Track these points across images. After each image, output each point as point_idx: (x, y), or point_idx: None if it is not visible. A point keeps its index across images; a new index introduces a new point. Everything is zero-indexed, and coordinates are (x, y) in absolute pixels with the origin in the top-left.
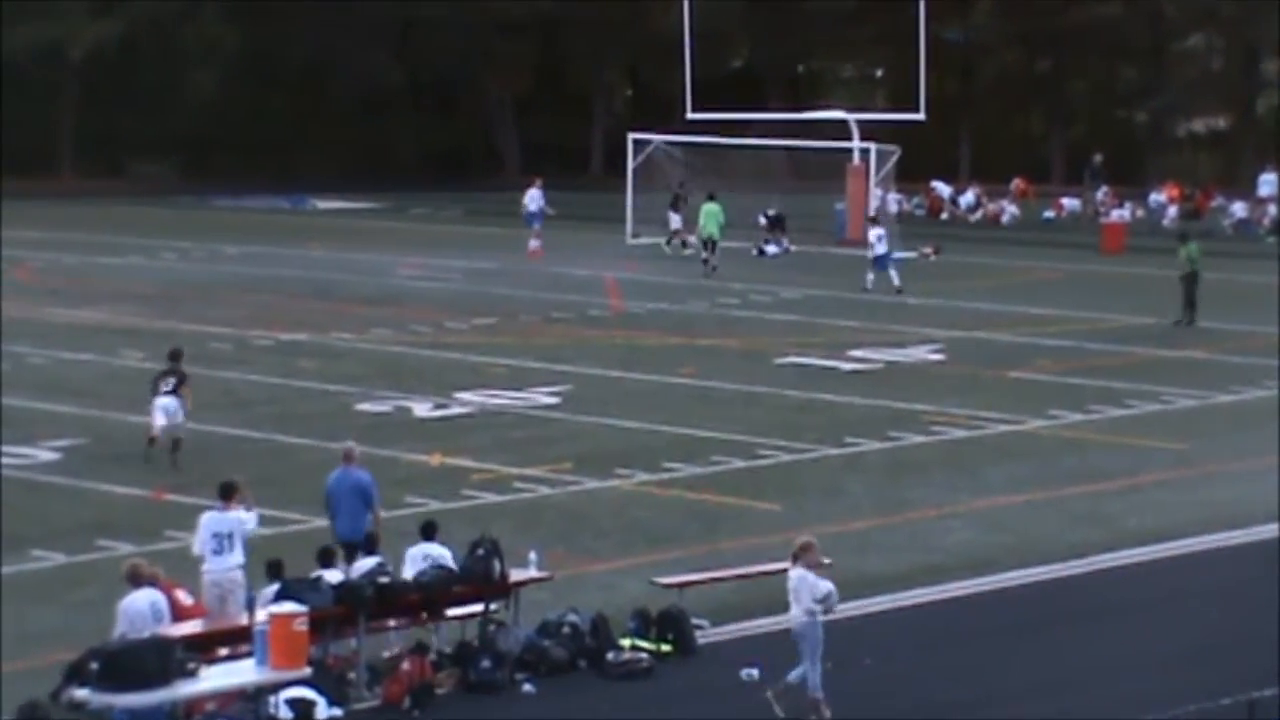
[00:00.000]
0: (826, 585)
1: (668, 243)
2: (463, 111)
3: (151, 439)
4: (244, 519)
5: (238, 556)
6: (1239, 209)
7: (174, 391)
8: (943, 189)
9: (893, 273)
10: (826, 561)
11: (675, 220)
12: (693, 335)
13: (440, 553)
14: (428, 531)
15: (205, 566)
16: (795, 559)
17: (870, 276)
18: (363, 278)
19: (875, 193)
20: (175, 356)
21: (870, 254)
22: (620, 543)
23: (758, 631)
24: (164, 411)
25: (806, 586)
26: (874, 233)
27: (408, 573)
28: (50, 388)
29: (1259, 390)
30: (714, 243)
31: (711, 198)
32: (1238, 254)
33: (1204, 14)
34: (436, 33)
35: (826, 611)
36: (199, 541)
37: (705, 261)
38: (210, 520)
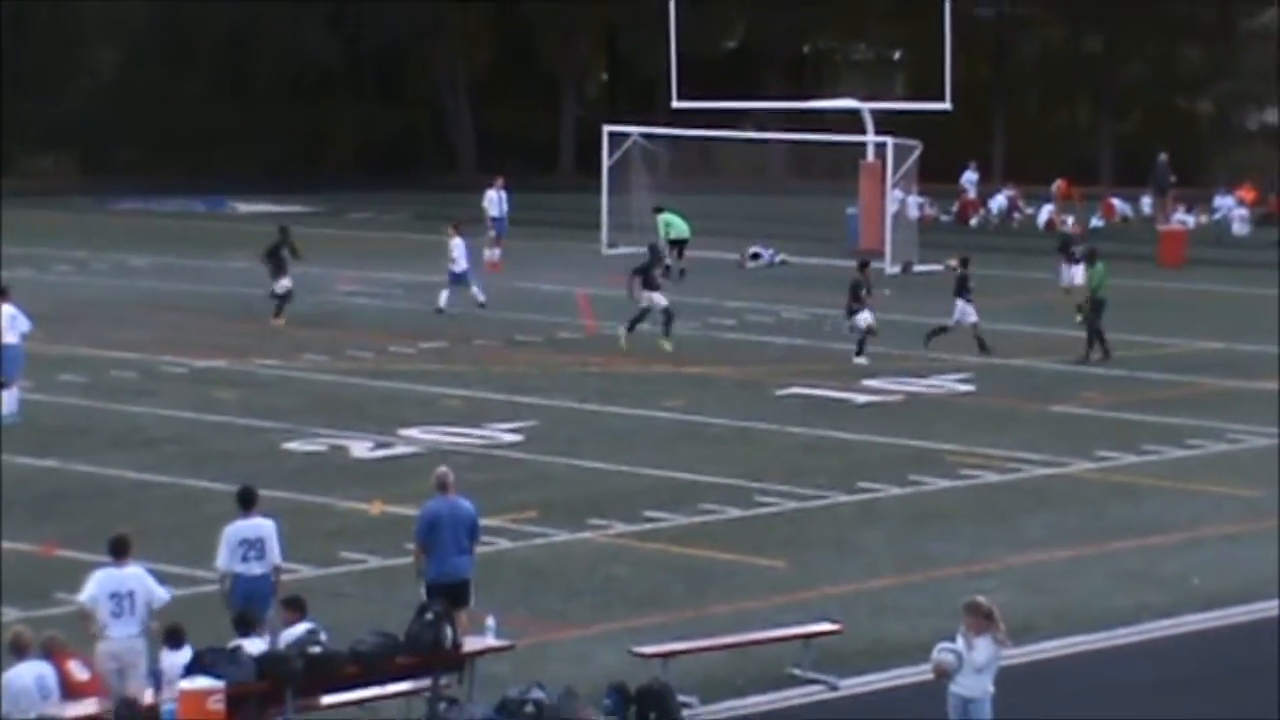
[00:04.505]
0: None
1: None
2: (409, 96)
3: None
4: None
5: (140, 621)
6: None
7: (964, 292)
8: (970, 179)
9: (475, 289)
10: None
11: (1071, 274)
12: (680, 362)
13: (259, 534)
14: (246, 501)
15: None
16: None
17: (445, 294)
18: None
19: (894, 194)
20: (966, 263)
21: (450, 269)
22: (594, 605)
23: (754, 710)
24: (963, 314)
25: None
26: (453, 243)
27: (223, 561)
28: None
29: None
30: (681, 243)
31: (659, 210)
32: None
33: None
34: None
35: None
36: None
37: (667, 269)
38: (105, 579)
